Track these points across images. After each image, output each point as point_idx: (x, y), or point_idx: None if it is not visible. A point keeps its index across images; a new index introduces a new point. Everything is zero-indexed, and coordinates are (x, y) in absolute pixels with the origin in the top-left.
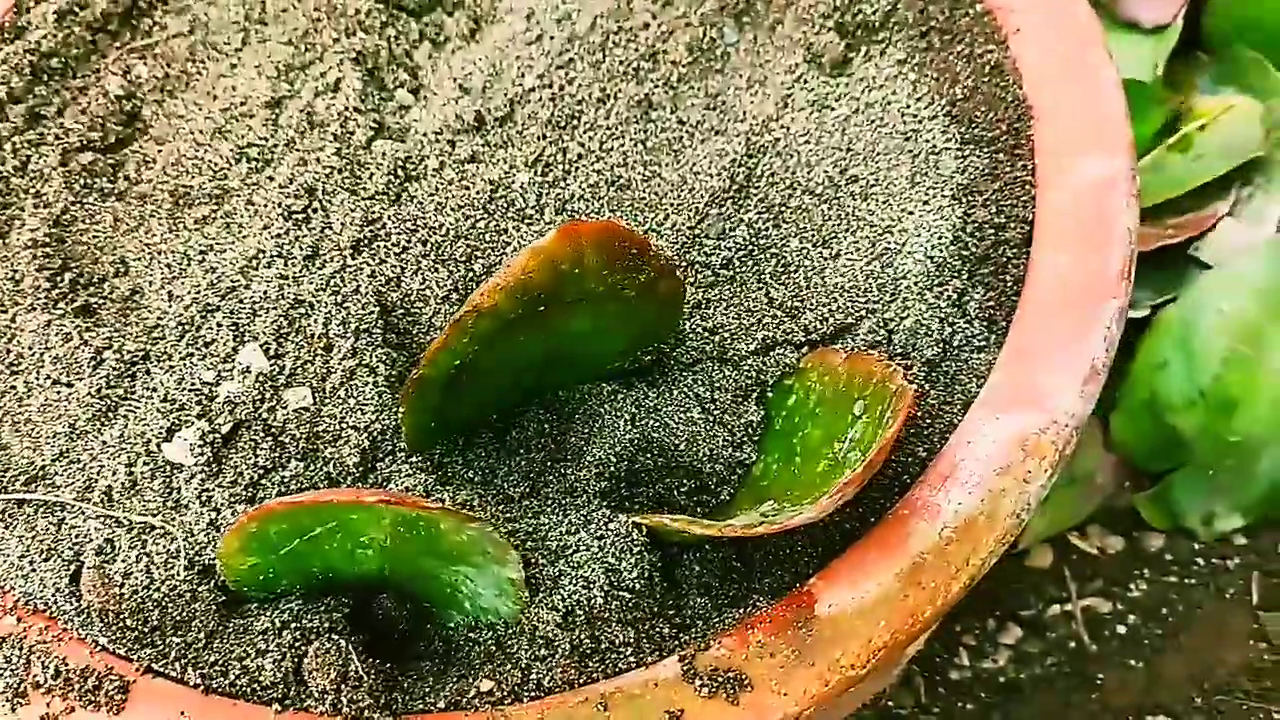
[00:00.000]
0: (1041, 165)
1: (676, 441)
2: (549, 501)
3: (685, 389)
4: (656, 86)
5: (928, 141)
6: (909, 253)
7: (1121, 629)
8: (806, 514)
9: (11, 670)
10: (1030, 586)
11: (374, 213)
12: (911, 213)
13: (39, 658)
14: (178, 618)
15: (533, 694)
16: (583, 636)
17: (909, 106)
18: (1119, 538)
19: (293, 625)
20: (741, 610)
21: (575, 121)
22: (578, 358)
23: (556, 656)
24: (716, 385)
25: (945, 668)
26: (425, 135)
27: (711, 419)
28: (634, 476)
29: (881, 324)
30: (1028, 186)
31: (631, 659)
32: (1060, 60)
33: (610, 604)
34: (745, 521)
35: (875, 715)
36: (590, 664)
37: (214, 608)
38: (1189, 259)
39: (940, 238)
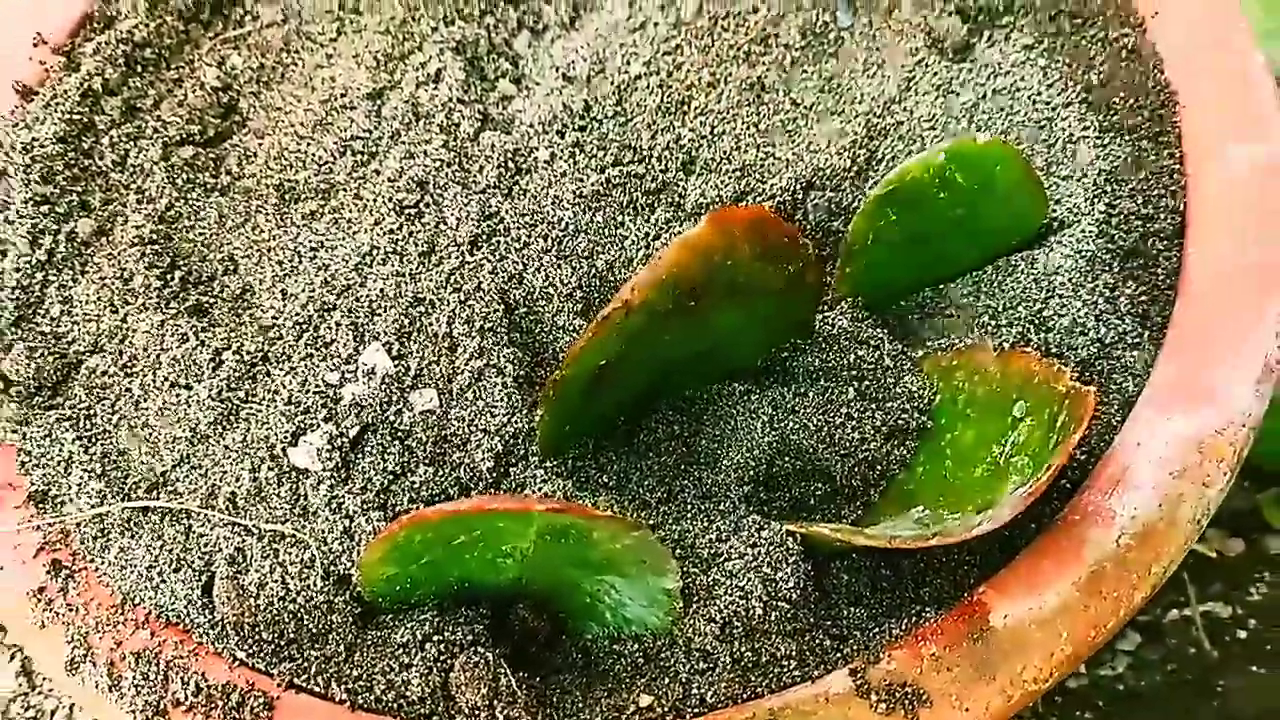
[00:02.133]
0: (1190, 153)
1: (814, 444)
2: (688, 507)
3: (820, 389)
4: (769, 70)
5: (1063, 129)
6: (1055, 246)
7: (1242, 634)
8: (986, 525)
9: (149, 688)
10: None
11: (490, 207)
12: (1057, 201)
13: (177, 674)
14: (315, 630)
15: (695, 709)
16: (743, 649)
17: (1040, 93)
18: (1239, 540)
19: (435, 638)
20: (900, 621)
21: (686, 107)
22: (717, 355)
23: (718, 670)
24: (853, 385)
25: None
26: (532, 126)
27: (850, 421)
28: (771, 480)
29: (1035, 321)
30: (1176, 175)
31: (796, 673)
32: (1203, 44)
33: (769, 615)
34: (914, 534)
35: None
36: (753, 678)
37: (351, 619)
38: None
39: (1085, 230)
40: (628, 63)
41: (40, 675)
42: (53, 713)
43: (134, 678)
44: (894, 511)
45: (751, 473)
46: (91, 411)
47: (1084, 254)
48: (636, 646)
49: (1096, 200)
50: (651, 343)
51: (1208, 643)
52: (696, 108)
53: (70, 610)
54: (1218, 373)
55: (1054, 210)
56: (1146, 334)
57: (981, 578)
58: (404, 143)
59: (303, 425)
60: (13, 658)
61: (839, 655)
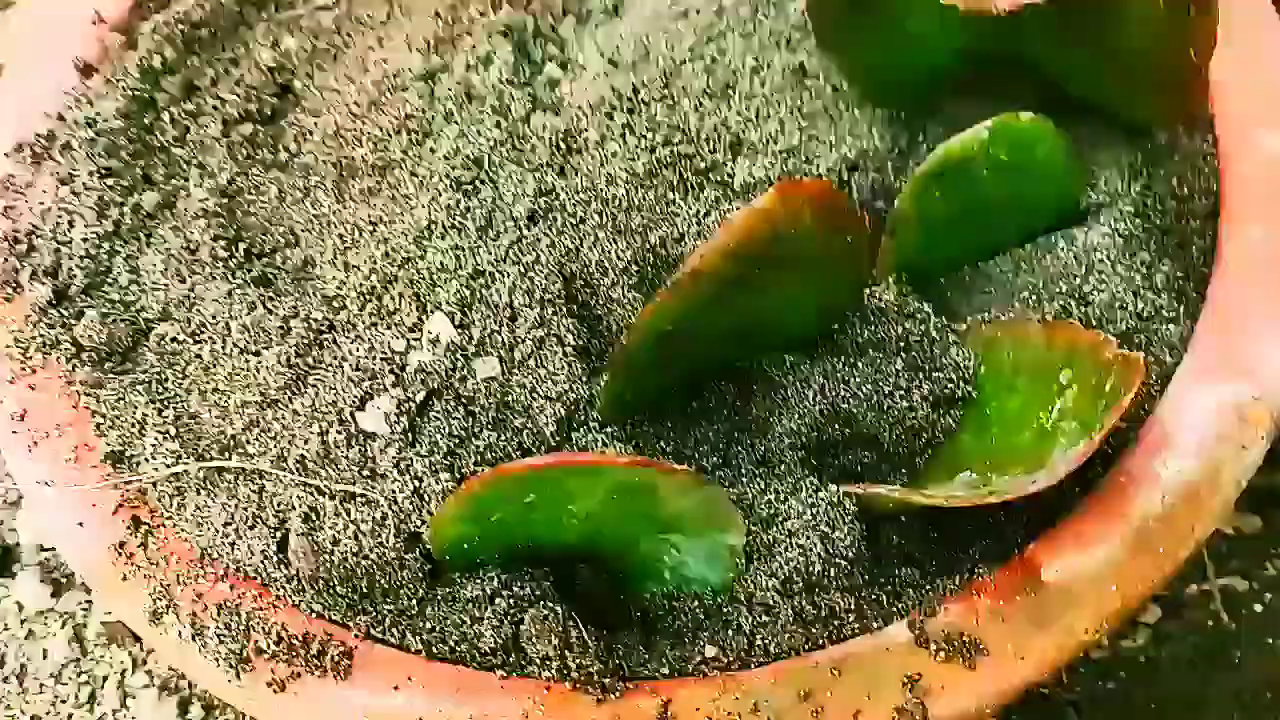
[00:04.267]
0: (1224, 138)
1: (864, 413)
2: (743, 471)
3: (869, 360)
4: (809, 55)
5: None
6: (1093, 225)
7: (1259, 607)
8: (1042, 481)
9: (233, 637)
10: None
11: (546, 183)
12: (1093, 185)
13: (259, 625)
14: (387, 585)
15: (760, 659)
16: (804, 603)
17: None
18: (1255, 516)
19: (504, 593)
20: (953, 578)
21: (731, 91)
22: (771, 326)
23: (780, 622)
24: (900, 357)
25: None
26: (581, 109)
27: (898, 390)
28: (821, 448)
29: (1076, 296)
30: (1210, 159)
31: (855, 625)
32: (1236, 34)
33: (828, 571)
34: (969, 493)
35: (1018, 696)
36: (815, 630)
37: (421, 576)
38: None
39: (1122, 210)
40: (672, 48)
41: (90, 641)
42: (104, 679)
43: (217, 628)
44: (941, 478)
45: (803, 440)
46: (163, 376)
47: (1121, 233)
48: (696, 604)
49: (1133, 182)
50: (715, 311)
51: (1225, 616)
52: (741, 92)
53: (151, 564)
54: (1255, 345)
55: (1091, 195)
56: (1183, 309)
57: (1029, 538)
58: (457, 123)
59: (370, 390)
60: (64, 624)
61: (895, 609)
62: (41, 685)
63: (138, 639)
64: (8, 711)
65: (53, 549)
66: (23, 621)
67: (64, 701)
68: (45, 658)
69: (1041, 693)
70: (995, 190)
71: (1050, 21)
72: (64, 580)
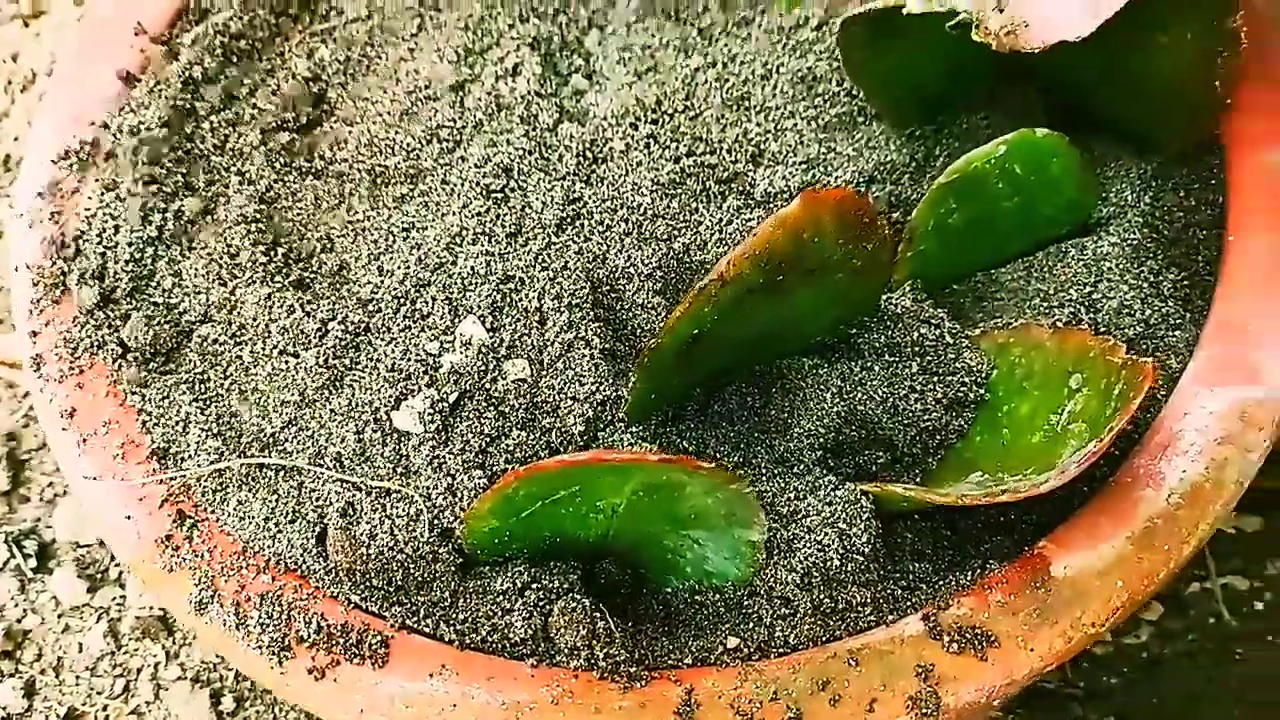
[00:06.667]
0: (1232, 153)
1: (879, 415)
2: (762, 470)
3: (885, 364)
4: (818, 60)
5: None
6: (1103, 235)
7: (1260, 605)
8: (1054, 481)
9: (274, 626)
10: None
11: (573, 192)
12: (1103, 198)
13: (299, 614)
14: (421, 578)
15: (780, 650)
16: (822, 596)
17: None
18: (1256, 517)
19: (534, 586)
20: (966, 573)
21: (747, 101)
22: (792, 330)
23: (799, 615)
24: (916, 361)
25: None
26: (605, 119)
27: (913, 393)
28: (838, 448)
29: (1086, 303)
30: (1217, 172)
31: (871, 618)
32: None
33: (845, 566)
34: (982, 491)
35: (1023, 691)
36: (832, 622)
37: (453, 569)
38: None
39: (1131, 221)
40: (688, 57)
41: (125, 635)
42: (139, 671)
43: (259, 617)
44: (953, 478)
45: (820, 440)
46: (205, 376)
47: (1130, 243)
48: (717, 597)
49: (1143, 194)
50: (739, 316)
51: (1227, 613)
52: (758, 102)
53: (196, 556)
54: (1258, 351)
55: (1101, 207)
56: (1189, 316)
57: (1039, 535)
58: (487, 132)
59: (405, 390)
60: (99, 618)
61: (910, 603)
62: (77, 678)
63: (171, 633)
64: (44, 703)
65: (89, 545)
66: (59, 615)
67: (99, 693)
68: (81, 651)
69: (1045, 687)
70: (1009, 201)
71: (1074, 48)
72: (99, 576)
